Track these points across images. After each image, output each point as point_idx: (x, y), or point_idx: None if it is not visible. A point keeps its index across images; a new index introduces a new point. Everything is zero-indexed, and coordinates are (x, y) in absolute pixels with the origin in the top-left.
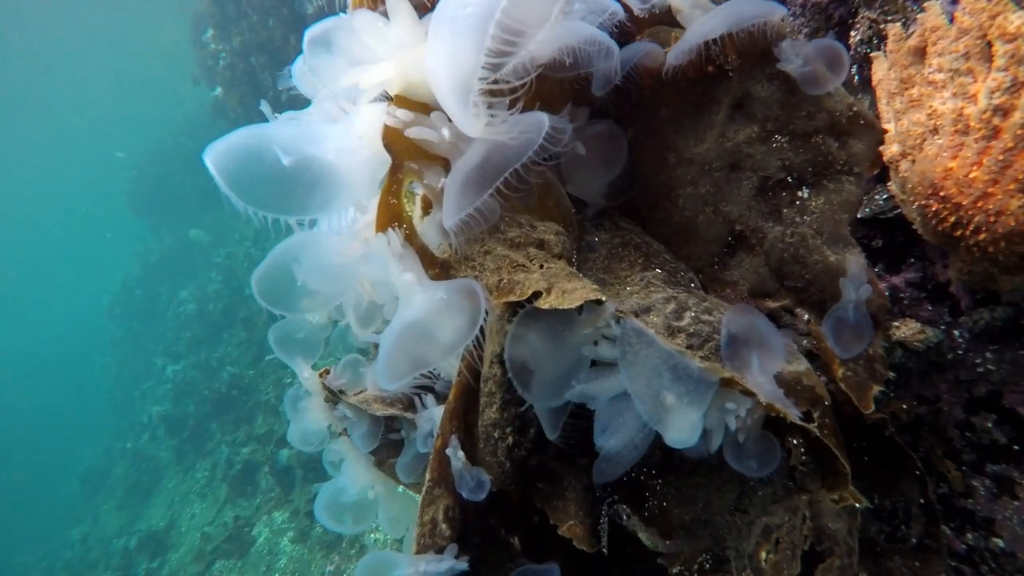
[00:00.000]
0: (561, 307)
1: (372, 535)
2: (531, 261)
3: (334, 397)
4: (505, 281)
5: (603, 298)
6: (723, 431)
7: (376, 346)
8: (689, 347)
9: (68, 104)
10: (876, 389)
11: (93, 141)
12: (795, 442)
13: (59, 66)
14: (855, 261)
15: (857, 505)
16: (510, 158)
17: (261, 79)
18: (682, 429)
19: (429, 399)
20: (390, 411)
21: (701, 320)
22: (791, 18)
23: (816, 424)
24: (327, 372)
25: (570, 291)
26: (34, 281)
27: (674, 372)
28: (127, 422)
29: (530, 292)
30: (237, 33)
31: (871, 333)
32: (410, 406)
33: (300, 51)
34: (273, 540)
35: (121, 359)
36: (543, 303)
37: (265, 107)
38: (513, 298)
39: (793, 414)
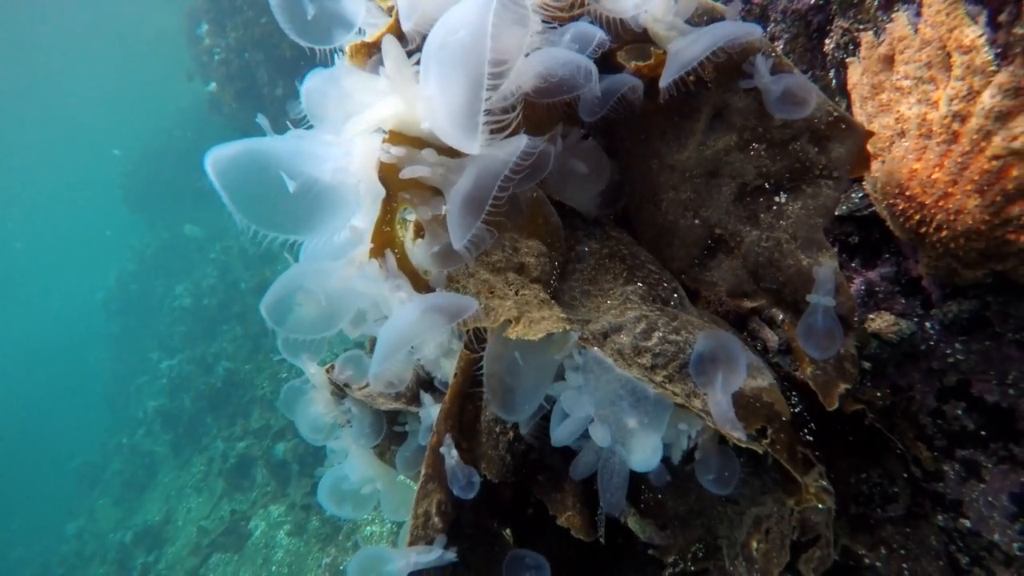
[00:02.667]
0: (526, 337)
1: (368, 527)
2: (508, 287)
3: (340, 391)
4: (483, 306)
5: (567, 328)
6: (681, 450)
7: (372, 340)
8: (653, 366)
9: (62, 99)
10: (843, 387)
11: (88, 137)
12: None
13: (53, 61)
14: (824, 267)
15: (820, 506)
16: (498, 169)
17: (256, 75)
18: (644, 451)
19: (426, 398)
20: (394, 405)
21: (668, 340)
22: (773, 24)
23: (769, 440)
24: (332, 368)
25: (537, 321)
26: (29, 277)
27: (633, 396)
28: (123, 417)
29: (502, 319)
30: (232, 29)
31: (842, 336)
32: (414, 400)
33: (298, 52)
34: (270, 533)
35: (116, 354)
36: (511, 332)
37: (263, 121)
38: (486, 324)
39: (738, 436)
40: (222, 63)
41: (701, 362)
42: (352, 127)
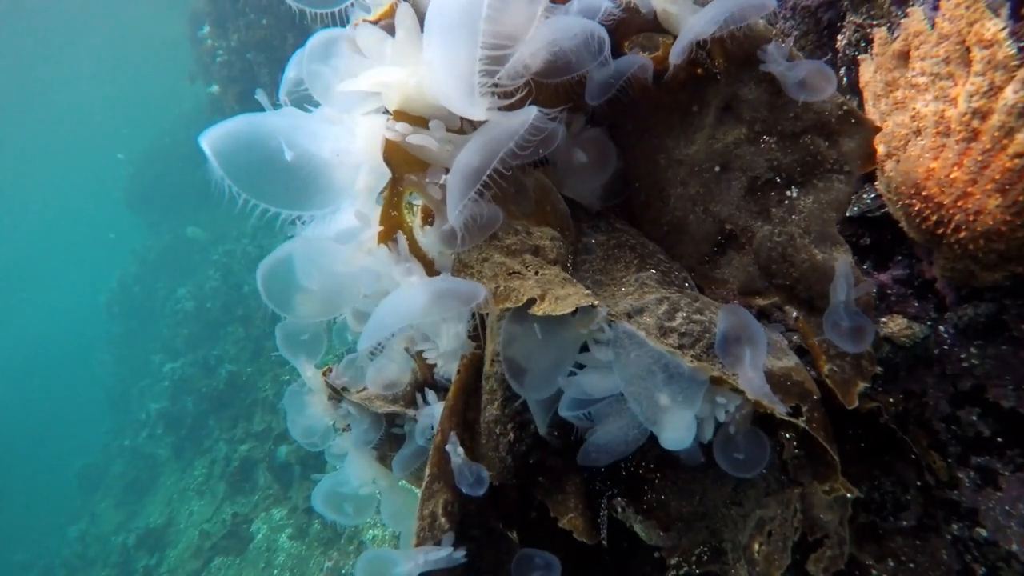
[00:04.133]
0: (554, 313)
1: (370, 531)
2: (527, 268)
3: (337, 395)
4: (502, 288)
5: (595, 303)
6: (713, 424)
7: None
8: (681, 346)
9: (65, 102)
10: (861, 385)
11: (92, 141)
12: (787, 436)
13: (56, 65)
14: (842, 262)
15: (848, 495)
16: (503, 139)
17: (258, 76)
18: (678, 428)
19: (430, 395)
20: (392, 408)
21: (693, 320)
22: (782, 21)
23: (804, 418)
24: (330, 370)
25: (563, 297)
26: (31, 279)
27: (666, 372)
28: (125, 419)
29: (525, 299)
30: (234, 31)
31: (872, 328)
32: (411, 403)
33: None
34: (271, 537)
35: (119, 356)
36: (537, 310)
37: (261, 96)
38: (509, 304)
39: (779, 409)
40: (224, 65)
41: (726, 342)
42: (355, 84)
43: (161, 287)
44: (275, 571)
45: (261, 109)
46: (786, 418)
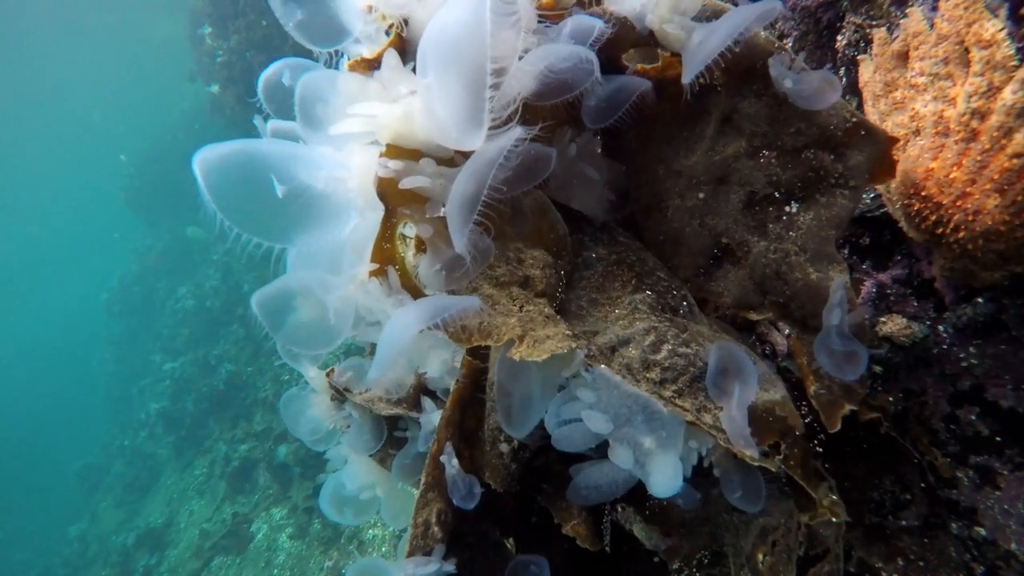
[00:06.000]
0: (530, 359)
1: (370, 531)
2: (513, 302)
3: (340, 396)
4: (486, 324)
5: (573, 346)
6: (690, 464)
7: (372, 346)
8: (663, 381)
9: (66, 103)
10: (847, 408)
11: (94, 141)
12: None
13: (58, 65)
14: (836, 284)
15: (834, 520)
16: (493, 158)
17: (258, 77)
18: (664, 473)
19: (427, 403)
20: (394, 410)
21: (677, 353)
22: (782, 21)
23: (783, 455)
24: (332, 371)
25: (541, 340)
26: (32, 279)
27: (646, 412)
28: (125, 419)
29: (505, 339)
30: (234, 31)
31: (866, 354)
32: (415, 405)
33: (300, 55)
34: (272, 536)
35: (119, 356)
36: (514, 353)
37: (259, 123)
38: (490, 342)
39: (751, 454)
40: (224, 65)
41: (716, 375)
42: (345, 126)
43: (162, 286)
44: (275, 571)
45: (261, 109)
46: (758, 462)
